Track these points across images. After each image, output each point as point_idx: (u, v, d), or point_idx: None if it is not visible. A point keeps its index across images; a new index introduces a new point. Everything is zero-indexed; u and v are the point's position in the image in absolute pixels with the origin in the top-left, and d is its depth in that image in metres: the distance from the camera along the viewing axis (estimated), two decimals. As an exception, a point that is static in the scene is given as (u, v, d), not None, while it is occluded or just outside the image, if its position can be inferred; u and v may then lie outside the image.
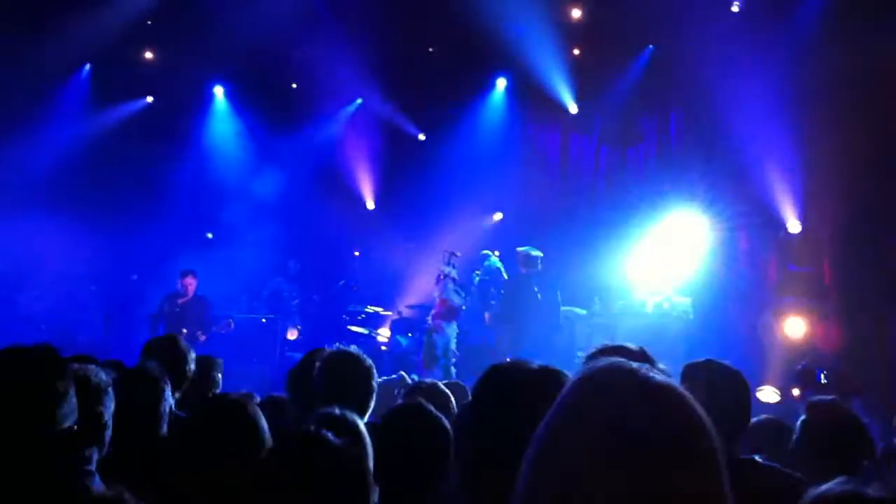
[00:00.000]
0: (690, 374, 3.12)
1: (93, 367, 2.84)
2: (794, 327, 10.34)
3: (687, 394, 1.13)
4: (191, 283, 10.79)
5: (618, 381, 1.13)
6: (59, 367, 2.25)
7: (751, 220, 11.51)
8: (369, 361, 3.73)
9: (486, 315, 10.88)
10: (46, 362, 2.23)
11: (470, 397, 2.27)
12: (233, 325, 10.83)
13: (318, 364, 3.73)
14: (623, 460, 1.04)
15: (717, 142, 11.89)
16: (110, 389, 2.78)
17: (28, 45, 11.93)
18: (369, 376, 3.68)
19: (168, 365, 3.89)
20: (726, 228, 11.61)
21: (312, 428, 2.24)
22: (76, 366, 2.82)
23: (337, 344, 3.97)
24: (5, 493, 2.01)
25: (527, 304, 9.83)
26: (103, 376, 2.79)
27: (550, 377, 1.76)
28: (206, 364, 4.79)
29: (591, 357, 2.73)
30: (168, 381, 3.58)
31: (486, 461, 1.72)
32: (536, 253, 10.18)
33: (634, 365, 1.15)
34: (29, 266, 12.79)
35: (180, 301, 10.69)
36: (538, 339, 9.58)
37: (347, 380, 3.61)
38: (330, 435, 2.18)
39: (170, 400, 3.55)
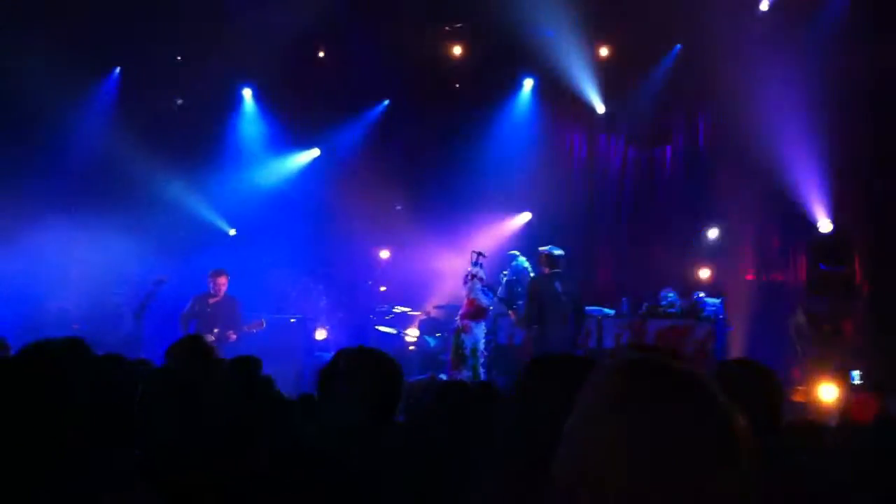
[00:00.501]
0: (724, 373, 3.10)
1: (121, 367, 2.88)
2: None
3: (714, 384, 1.13)
4: (223, 282, 10.76)
5: (643, 373, 1.13)
6: (87, 362, 2.26)
7: (781, 219, 11.42)
8: (394, 361, 3.71)
9: (511, 314, 10.87)
10: (74, 356, 2.24)
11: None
12: (265, 325, 10.82)
13: (341, 364, 3.73)
14: (646, 458, 1.04)
15: (746, 141, 11.78)
16: (139, 388, 2.82)
17: (59, 48, 12.06)
18: (393, 376, 3.66)
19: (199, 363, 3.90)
20: (756, 227, 11.51)
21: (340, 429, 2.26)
22: (105, 365, 2.87)
23: (360, 345, 3.95)
24: (27, 490, 2.02)
25: (550, 303, 9.78)
26: (132, 376, 2.83)
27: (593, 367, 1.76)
28: (248, 364, 4.77)
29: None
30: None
31: (527, 444, 1.73)
32: (559, 252, 10.12)
33: (660, 357, 1.15)
34: (60, 267, 12.93)
35: (211, 301, 10.70)
36: (564, 339, 9.53)
37: (370, 379, 3.59)
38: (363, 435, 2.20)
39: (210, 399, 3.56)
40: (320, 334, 13.16)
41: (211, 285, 10.70)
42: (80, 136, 13.13)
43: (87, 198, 12.94)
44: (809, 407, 8.85)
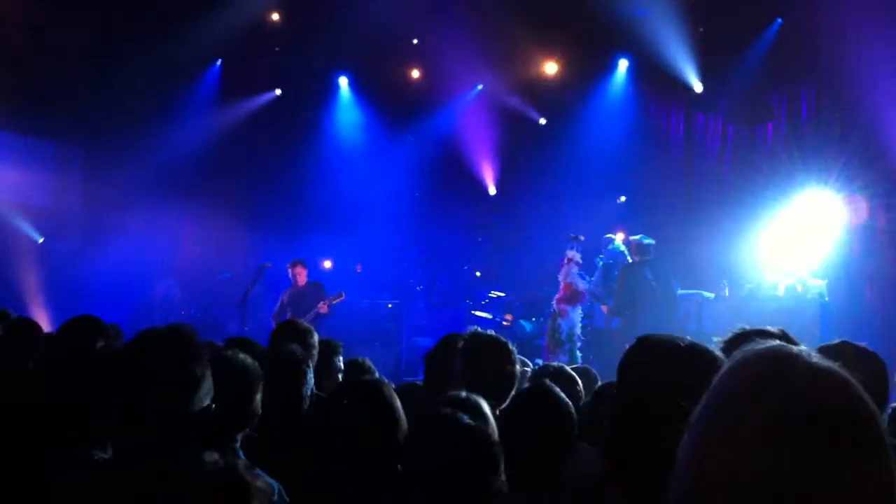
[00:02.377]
0: (825, 355, 3.03)
1: (242, 353, 3.00)
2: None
3: (855, 380, 1.14)
4: (300, 272, 10.84)
5: (789, 362, 1.14)
6: (196, 350, 2.31)
7: (891, 198, 10.98)
8: (511, 345, 3.70)
9: (604, 308, 10.78)
10: (183, 344, 2.30)
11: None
12: (344, 296, 10.74)
13: (459, 346, 3.74)
14: (794, 441, 1.06)
15: (853, 117, 11.36)
16: (258, 374, 2.94)
17: (162, 42, 12.47)
18: (510, 360, 3.66)
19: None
20: (863, 207, 11.10)
21: (448, 411, 2.30)
22: (229, 352, 3.00)
23: (476, 327, 3.94)
24: (145, 473, 2.10)
25: (642, 292, 9.69)
26: (251, 361, 2.94)
27: (699, 353, 1.77)
28: (325, 348, 4.82)
29: (733, 341, 2.71)
30: (310, 364, 3.71)
31: (631, 429, 1.75)
32: (649, 241, 10.02)
33: (803, 349, 1.17)
34: (167, 254, 13.41)
35: (294, 291, 10.82)
36: (657, 326, 9.41)
37: (488, 364, 3.59)
38: (465, 417, 2.24)
39: (311, 381, 3.67)
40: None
41: (290, 276, 10.85)
42: (184, 126, 13.56)
43: (191, 187, 13.37)
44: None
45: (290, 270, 10.88)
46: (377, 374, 4.68)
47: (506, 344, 3.69)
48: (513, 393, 3.54)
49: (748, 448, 1.08)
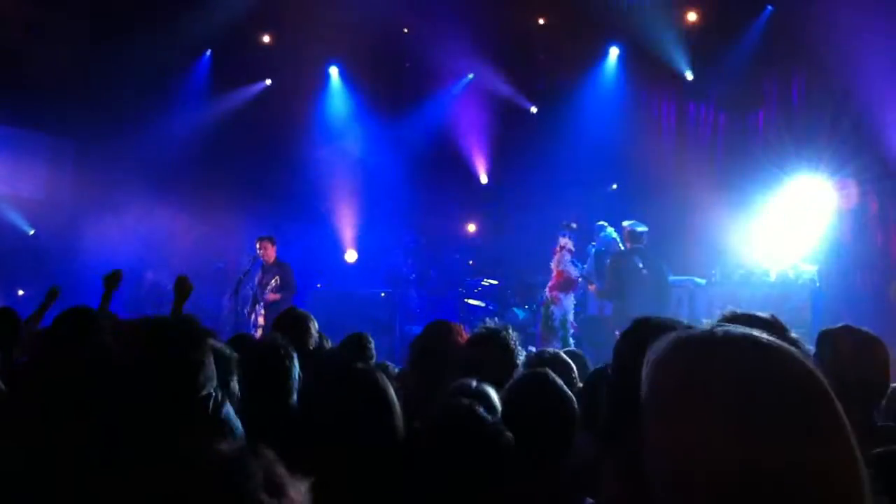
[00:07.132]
0: (826, 340, 3.06)
1: (219, 343, 3.04)
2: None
3: (798, 353, 1.12)
4: (266, 249, 10.53)
5: (726, 343, 1.12)
6: (201, 340, 2.35)
7: (882, 184, 11.03)
8: (515, 342, 3.75)
9: (591, 287, 10.75)
10: (190, 335, 2.33)
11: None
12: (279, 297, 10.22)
13: (457, 335, 3.79)
14: (739, 427, 1.04)
15: (843, 103, 11.39)
16: (231, 357, 2.98)
17: (153, 34, 12.43)
18: (515, 355, 3.71)
19: (293, 337, 4.03)
20: (855, 193, 11.15)
21: (466, 402, 2.31)
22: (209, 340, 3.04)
23: (495, 319, 3.98)
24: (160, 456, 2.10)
25: (631, 279, 9.67)
26: (229, 350, 2.99)
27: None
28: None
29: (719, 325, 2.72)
30: (295, 352, 3.72)
31: (624, 415, 1.75)
32: (642, 228, 10.00)
33: (738, 328, 1.15)
34: (159, 246, 13.38)
35: (263, 270, 10.58)
36: (649, 313, 9.39)
37: (492, 361, 3.62)
38: (481, 410, 2.26)
39: (297, 369, 3.68)
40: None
41: (258, 252, 10.63)
42: (175, 117, 13.53)
43: (182, 178, 13.34)
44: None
45: (256, 246, 10.64)
46: (374, 349, 4.74)
47: (512, 345, 3.72)
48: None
49: (693, 439, 1.07)
